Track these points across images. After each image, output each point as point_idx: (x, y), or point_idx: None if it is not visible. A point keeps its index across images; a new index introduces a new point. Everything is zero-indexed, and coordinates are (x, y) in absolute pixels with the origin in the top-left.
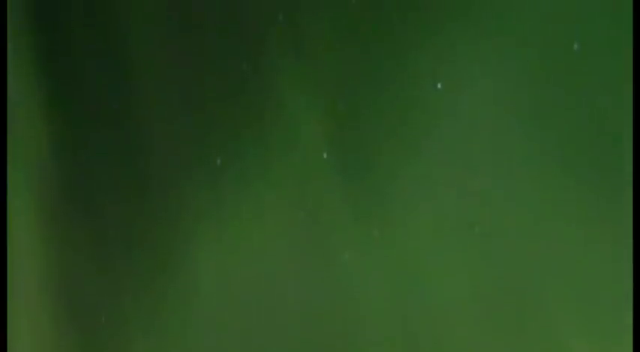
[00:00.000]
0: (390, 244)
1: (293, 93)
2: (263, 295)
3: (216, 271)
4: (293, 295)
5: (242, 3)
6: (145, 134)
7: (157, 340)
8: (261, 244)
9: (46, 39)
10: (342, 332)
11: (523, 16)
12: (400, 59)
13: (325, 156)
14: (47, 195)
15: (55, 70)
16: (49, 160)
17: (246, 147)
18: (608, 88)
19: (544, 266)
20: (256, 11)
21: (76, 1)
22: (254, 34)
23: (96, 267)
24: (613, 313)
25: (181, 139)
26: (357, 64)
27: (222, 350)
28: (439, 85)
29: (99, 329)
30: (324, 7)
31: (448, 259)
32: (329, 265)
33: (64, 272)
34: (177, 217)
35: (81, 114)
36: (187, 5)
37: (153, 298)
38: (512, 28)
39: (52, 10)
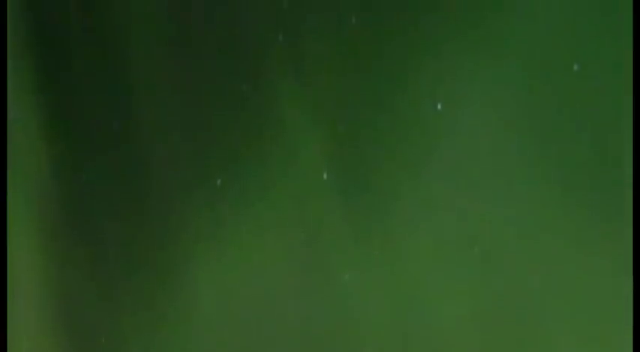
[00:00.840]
0: (391, 264)
1: (293, 114)
2: (263, 315)
3: (216, 291)
4: (293, 315)
5: (242, 23)
6: (145, 154)
7: None
8: (261, 264)
9: (46, 59)
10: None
11: (523, 36)
12: (400, 80)
13: (325, 176)
14: (47, 214)
15: (55, 90)
16: (49, 180)
17: (246, 167)
18: (608, 108)
19: (544, 286)
20: (256, 32)
21: (76, 21)
22: (254, 54)
23: (96, 287)
24: (613, 333)
25: (181, 160)
26: (357, 84)
27: None
28: (439, 106)
29: (99, 350)
30: (324, 27)
31: (448, 279)
32: (329, 285)
33: (63, 293)
34: (177, 237)
35: (81, 135)
36: (187, 26)
37: (153, 318)
38: (512, 48)
39: (53, 31)
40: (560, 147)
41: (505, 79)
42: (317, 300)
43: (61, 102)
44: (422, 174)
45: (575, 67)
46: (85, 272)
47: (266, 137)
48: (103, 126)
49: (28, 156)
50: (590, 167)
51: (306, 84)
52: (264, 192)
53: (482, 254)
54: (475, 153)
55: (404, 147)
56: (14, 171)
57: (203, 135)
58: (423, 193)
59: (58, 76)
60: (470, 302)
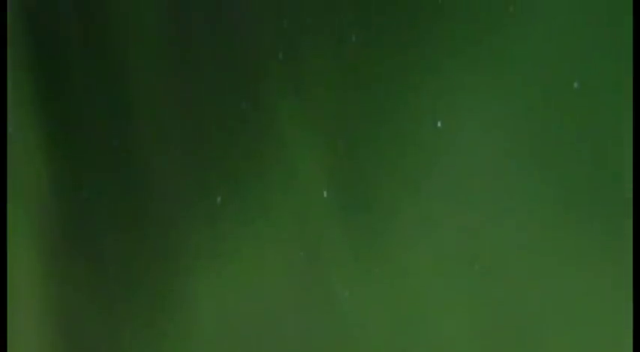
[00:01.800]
0: (391, 281)
1: (293, 132)
2: (263, 333)
3: (216, 309)
4: (293, 333)
5: (242, 41)
6: (145, 172)
7: None
8: (261, 282)
9: (46, 77)
10: None
11: (523, 54)
12: (400, 97)
13: (325, 194)
14: (47, 233)
15: (55, 108)
16: (49, 197)
17: (246, 185)
18: (608, 126)
19: (544, 303)
20: (256, 49)
21: (76, 38)
22: (254, 72)
23: (96, 306)
24: (614, 349)
25: (181, 177)
26: (357, 102)
27: None
28: (439, 124)
29: None
30: (324, 45)
31: (448, 296)
32: (329, 303)
33: (63, 311)
34: (177, 255)
35: (81, 153)
36: (187, 43)
37: (153, 336)
38: (512, 66)
39: (53, 48)
40: (561, 164)
41: (505, 97)
42: (317, 317)
43: (61, 119)
44: (422, 191)
45: (575, 85)
46: (85, 288)
47: (266, 155)
48: (103, 143)
49: (28, 172)
50: (591, 183)
51: (306, 102)
52: (264, 210)
53: (483, 271)
54: (475, 171)
55: (404, 164)
56: (14, 188)
57: (203, 153)
58: (423, 210)
59: (58, 92)
60: (470, 319)
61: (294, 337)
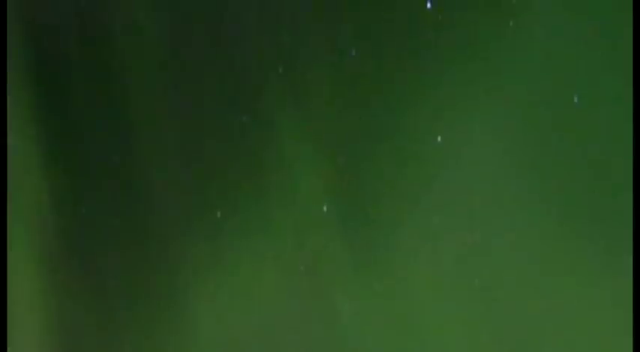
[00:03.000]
0: (391, 296)
1: (293, 146)
2: (263, 347)
3: (216, 324)
4: (293, 347)
5: (242, 55)
6: (145, 186)
7: None
8: (261, 297)
9: (46, 91)
10: None
11: (522, 69)
12: (400, 112)
13: (325, 208)
14: (47, 247)
15: (55, 122)
16: (49, 212)
17: (246, 199)
18: (608, 140)
19: (544, 319)
20: (256, 63)
21: (75, 52)
22: (254, 86)
23: (96, 320)
24: None
25: (181, 192)
26: (356, 116)
27: None
28: (439, 138)
29: None
30: (324, 59)
31: (448, 311)
32: (329, 317)
33: (63, 325)
34: (176, 270)
35: (81, 166)
36: (187, 57)
37: (152, 350)
38: (511, 81)
39: (53, 63)
40: (561, 178)
41: (505, 111)
42: (317, 331)
43: (61, 134)
44: (422, 205)
45: (575, 99)
46: (84, 304)
47: (266, 169)
48: (103, 158)
49: (28, 188)
50: (591, 198)
51: (306, 115)
52: (264, 224)
53: (483, 286)
54: (475, 185)
55: (404, 179)
56: (15, 204)
57: (203, 167)
58: (422, 225)
59: (59, 108)
60: (470, 334)
61: (294, 351)
